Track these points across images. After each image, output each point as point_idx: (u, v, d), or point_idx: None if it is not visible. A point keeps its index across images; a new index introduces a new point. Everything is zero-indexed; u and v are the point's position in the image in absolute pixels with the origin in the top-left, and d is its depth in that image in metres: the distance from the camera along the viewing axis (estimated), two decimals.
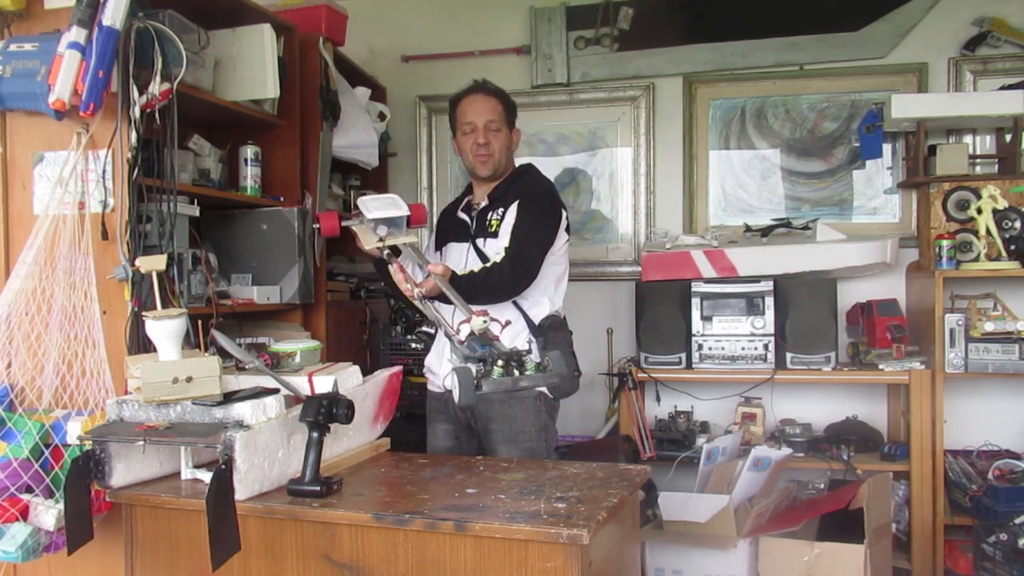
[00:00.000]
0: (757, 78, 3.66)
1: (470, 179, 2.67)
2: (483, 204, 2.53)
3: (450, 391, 2.45)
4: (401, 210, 2.21)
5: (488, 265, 2.33)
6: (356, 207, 2.27)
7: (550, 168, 3.84)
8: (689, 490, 3.03)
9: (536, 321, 2.45)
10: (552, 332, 2.46)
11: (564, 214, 2.53)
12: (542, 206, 2.48)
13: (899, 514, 3.18)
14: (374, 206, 2.20)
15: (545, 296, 2.47)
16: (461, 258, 2.50)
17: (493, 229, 2.46)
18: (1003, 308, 3.15)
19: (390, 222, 2.18)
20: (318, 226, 2.24)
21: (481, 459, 2.18)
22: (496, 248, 2.40)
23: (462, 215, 2.59)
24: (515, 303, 2.43)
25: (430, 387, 2.62)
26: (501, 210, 2.47)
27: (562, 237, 2.53)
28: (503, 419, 2.42)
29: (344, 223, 2.25)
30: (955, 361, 3.08)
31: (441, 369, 2.52)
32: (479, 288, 2.23)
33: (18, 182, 2.12)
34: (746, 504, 2.84)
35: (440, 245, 2.62)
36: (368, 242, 2.17)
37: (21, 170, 2.12)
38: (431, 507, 1.66)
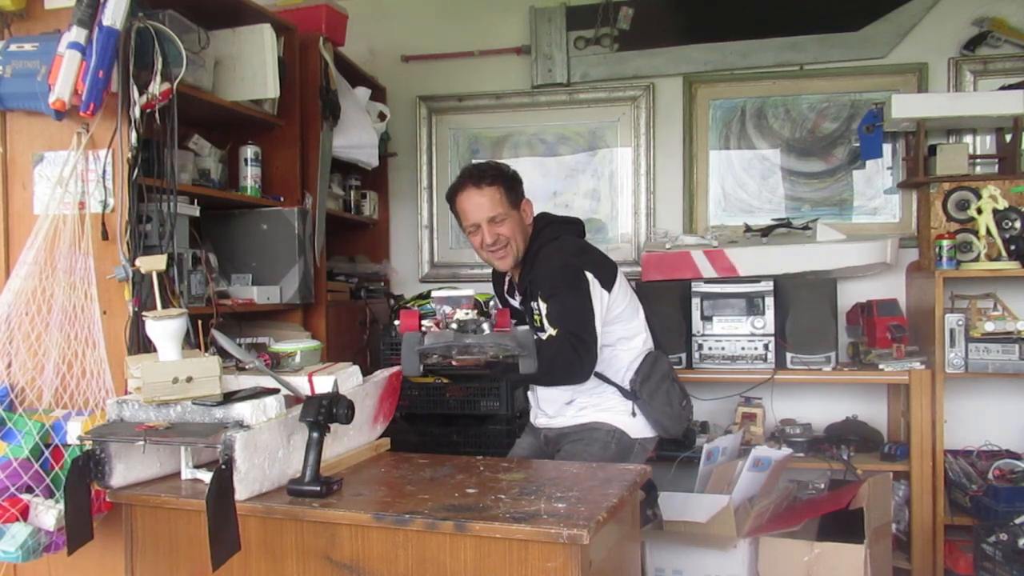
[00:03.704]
0: (757, 78, 3.66)
1: None
2: (519, 297, 2.42)
3: (540, 428, 2.47)
4: (461, 291, 2.11)
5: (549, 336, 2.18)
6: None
7: (550, 168, 3.85)
8: (689, 490, 3.03)
9: (626, 386, 2.37)
10: (646, 384, 2.36)
11: (590, 276, 2.27)
12: (559, 288, 2.26)
13: (899, 514, 3.18)
14: (441, 294, 2.11)
15: (619, 362, 2.38)
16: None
17: (539, 324, 2.32)
18: (1003, 308, 3.15)
19: (453, 302, 2.03)
20: (398, 322, 2.04)
21: (481, 459, 2.17)
22: None
23: (512, 301, 2.47)
24: (605, 377, 2.35)
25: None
26: (535, 304, 2.32)
27: (602, 299, 2.29)
28: (571, 443, 2.39)
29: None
30: (955, 361, 3.08)
31: (534, 411, 2.54)
32: (551, 364, 2.11)
33: (18, 182, 2.12)
34: (746, 504, 2.84)
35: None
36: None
37: (21, 170, 2.12)
38: (431, 507, 1.65)
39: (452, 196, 2.40)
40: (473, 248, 2.45)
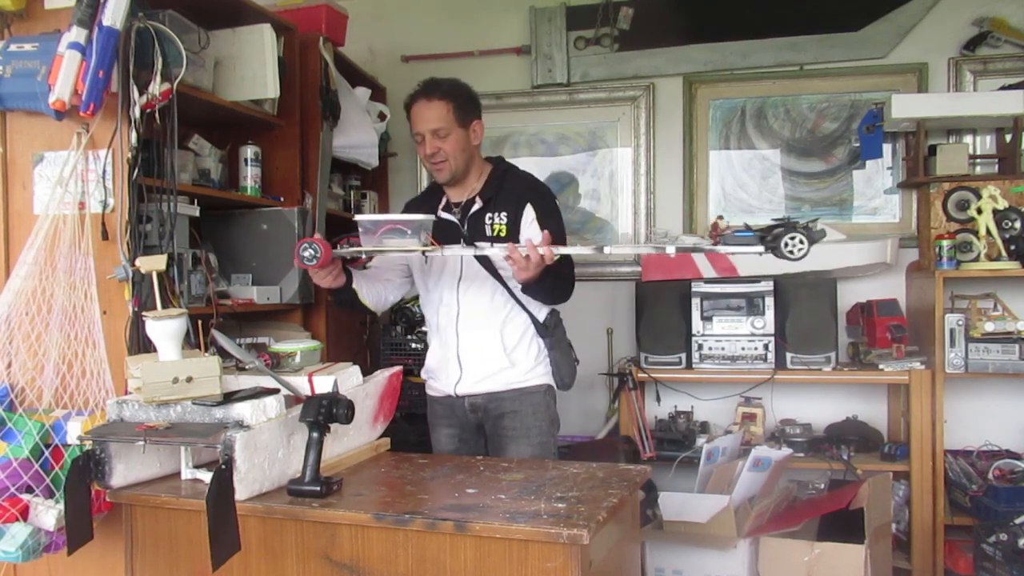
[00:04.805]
0: (757, 78, 3.66)
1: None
2: (476, 206, 2.41)
3: (457, 396, 2.45)
4: (427, 215, 2.15)
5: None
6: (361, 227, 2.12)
7: (550, 168, 3.85)
8: (689, 490, 3.03)
9: (541, 320, 2.44)
10: (555, 328, 2.47)
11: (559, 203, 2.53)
12: (555, 206, 2.45)
13: (899, 514, 3.18)
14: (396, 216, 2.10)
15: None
16: (455, 261, 2.40)
17: (497, 232, 2.37)
18: (1003, 308, 3.15)
19: (426, 227, 2.07)
20: (314, 253, 2.04)
21: (481, 459, 2.18)
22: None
23: (445, 215, 2.45)
24: (522, 305, 2.41)
25: (431, 392, 2.55)
26: (504, 214, 2.38)
27: None
28: (514, 415, 2.40)
29: (359, 249, 2.11)
30: (955, 361, 3.08)
31: (448, 375, 2.46)
32: (559, 281, 2.24)
33: (18, 182, 2.12)
34: (746, 504, 2.84)
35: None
36: (414, 246, 2.04)
37: (21, 170, 2.12)
38: (431, 507, 1.66)
39: (407, 105, 2.46)
40: (419, 156, 2.52)
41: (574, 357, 2.54)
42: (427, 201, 2.55)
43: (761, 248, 1.96)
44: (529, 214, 2.38)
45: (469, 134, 2.43)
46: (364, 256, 2.25)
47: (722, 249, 2.02)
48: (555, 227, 2.35)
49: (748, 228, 2.05)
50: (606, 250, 2.10)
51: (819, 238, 1.98)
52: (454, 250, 2.17)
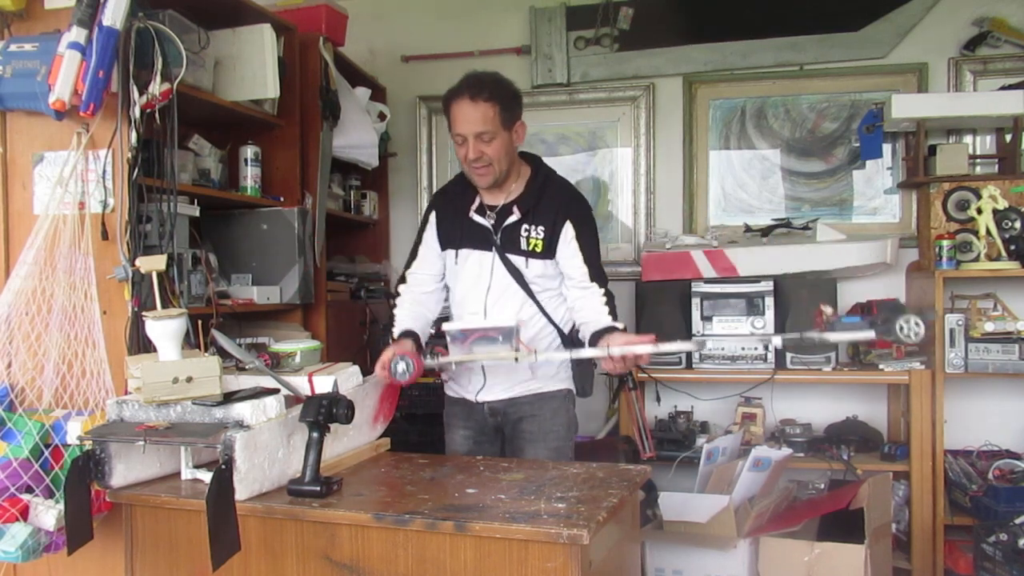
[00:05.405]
0: (757, 78, 3.66)
1: None
2: (513, 217, 2.30)
3: (475, 400, 2.43)
4: (486, 323, 2.15)
5: (606, 301, 2.27)
6: (449, 337, 2.14)
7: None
8: (689, 490, 3.03)
9: (567, 332, 2.39)
10: (577, 338, 2.40)
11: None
12: (593, 224, 2.36)
13: (899, 514, 3.18)
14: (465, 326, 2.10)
15: (562, 308, 2.39)
16: (485, 269, 2.31)
17: (533, 247, 2.28)
18: (1003, 308, 3.15)
19: (515, 333, 2.06)
20: (406, 368, 2.03)
21: (481, 459, 2.18)
22: (542, 270, 2.30)
23: (478, 219, 2.33)
24: (549, 318, 2.36)
25: (450, 393, 2.51)
26: (541, 228, 2.28)
27: None
28: (532, 418, 2.38)
29: (449, 359, 2.15)
30: (955, 361, 3.08)
31: (471, 382, 2.41)
32: None
33: (18, 182, 2.12)
34: (746, 504, 2.84)
35: (450, 247, 2.38)
36: (507, 354, 2.04)
37: (21, 170, 2.12)
38: (431, 507, 1.65)
39: (448, 101, 2.29)
40: (458, 157, 2.38)
41: (594, 363, 2.44)
42: (459, 197, 2.40)
43: (872, 333, 1.95)
44: (568, 232, 2.28)
45: (512, 136, 2.29)
46: (452, 365, 2.25)
47: (832, 337, 2.01)
48: (593, 249, 2.31)
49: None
50: (708, 345, 2.12)
51: (931, 318, 1.96)
52: (550, 355, 2.22)
